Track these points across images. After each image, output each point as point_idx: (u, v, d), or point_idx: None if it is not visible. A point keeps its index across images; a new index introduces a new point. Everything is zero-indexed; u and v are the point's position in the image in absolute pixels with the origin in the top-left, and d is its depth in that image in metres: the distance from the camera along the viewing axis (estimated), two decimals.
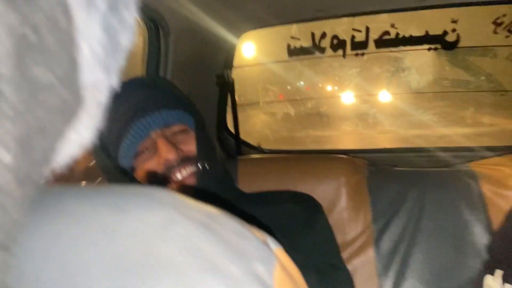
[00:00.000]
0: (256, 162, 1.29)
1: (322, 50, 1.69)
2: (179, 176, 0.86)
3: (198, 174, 0.87)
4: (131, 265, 0.20)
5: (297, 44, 1.70)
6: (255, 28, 1.48)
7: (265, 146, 1.89)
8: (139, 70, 1.15)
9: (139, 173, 0.87)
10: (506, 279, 0.83)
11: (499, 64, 2.77)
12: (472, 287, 0.93)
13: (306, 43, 1.68)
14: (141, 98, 0.87)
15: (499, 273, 0.84)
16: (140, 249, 0.21)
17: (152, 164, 0.86)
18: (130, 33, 0.22)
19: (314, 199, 1.04)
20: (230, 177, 1.04)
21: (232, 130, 1.66)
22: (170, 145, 0.85)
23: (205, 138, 0.91)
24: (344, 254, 1.09)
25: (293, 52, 1.71)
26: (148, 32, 1.11)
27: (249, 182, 1.18)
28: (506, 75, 2.83)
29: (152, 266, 0.20)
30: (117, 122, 0.85)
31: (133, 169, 0.88)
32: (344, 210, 1.12)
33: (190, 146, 0.88)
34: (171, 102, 0.90)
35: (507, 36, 1.60)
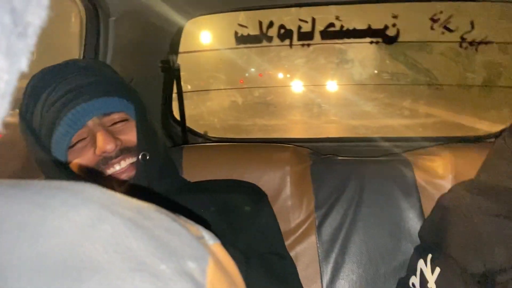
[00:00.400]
0: (202, 151, 1.27)
1: (270, 39, 1.69)
2: (117, 167, 0.82)
3: (137, 165, 0.84)
4: (55, 267, 0.19)
5: (245, 32, 1.69)
6: (202, 14, 1.45)
7: (212, 134, 1.88)
8: (76, 54, 1.08)
9: (75, 165, 0.82)
10: (435, 263, 0.89)
11: (434, 59, 2.95)
12: (406, 271, 0.99)
13: (254, 31, 1.68)
14: (77, 83, 0.81)
15: (429, 257, 0.90)
16: (64, 249, 0.20)
17: (89, 155, 0.81)
18: (40, 10, 0.20)
19: (259, 188, 1.05)
20: (174, 167, 1.02)
21: (178, 117, 1.63)
22: (109, 135, 0.80)
23: (146, 127, 0.87)
24: (288, 241, 1.11)
25: (241, 40, 1.70)
26: (85, 13, 1.05)
27: (194, 171, 1.17)
28: (441, 70, 3.02)
29: (77, 267, 0.19)
30: (50, 109, 0.79)
31: (68, 161, 0.83)
32: (289, 198, 1.14)
33: (130, 136, 0.84)
34: (110, 88, 0.85)
35: (442, 33, 1.69)
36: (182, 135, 1.64)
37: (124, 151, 0.83)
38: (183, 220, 0.27)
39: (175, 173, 1.01)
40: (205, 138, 1.81)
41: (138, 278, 0.20)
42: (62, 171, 0.82)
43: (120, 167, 0.82)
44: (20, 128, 0.84)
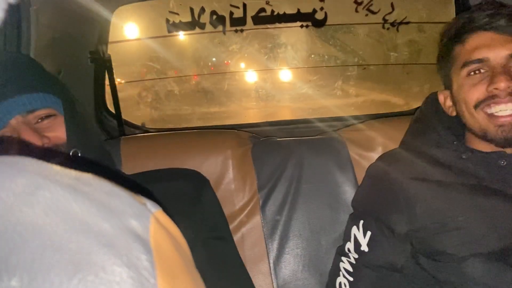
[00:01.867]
0: (140, 141, 1.26)
1: (202, 25, 1.68)
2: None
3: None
4: None
5: (177, 19, 1.66)
6: (131, 1, 1.41)
7: (150, 125, 1.84)
8: None
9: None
10: (366, 227, 0.97)
11: (360, 40, 3.10)
12: (342, 238, 1.06)
13: (186, 18, 1.66)
14: None
15: (361, 222, 0.98)
16: (3, 216, 0.20)
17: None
18: None
19: (200, 174, 1.06)
20: (110, 160, 0.99)
21: (113, 110, 1.58)
22: (34, 134, 0.76)
23: (76, 122, 0.84)
24: (234, 224, 1.14)
25: (173, 27, 1.67)
26: (1, 3, 0.97)
27: (134, 162, 1.15)
28: (367, 51, 3.19)
29: (18, 231, 0.20)
30: None
31: None
32: (232, 182, 1.17)
33: (59, 133, 0.81)
34: (34, 83, 0.81)
35: (366, 15, 1.79)
36: (118, 128, 1.59)
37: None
38: (126, 190, 0.28)
39: (111, 168, 0.98)
40: (143, 129, 1.78)
41: (82, 237, 0.21)
42: None
43: None
44: None
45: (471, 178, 0.89)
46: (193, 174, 1.05)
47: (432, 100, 1.05)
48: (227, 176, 1.16)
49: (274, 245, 1.16)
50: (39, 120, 0.80)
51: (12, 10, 0.99)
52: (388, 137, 1.18)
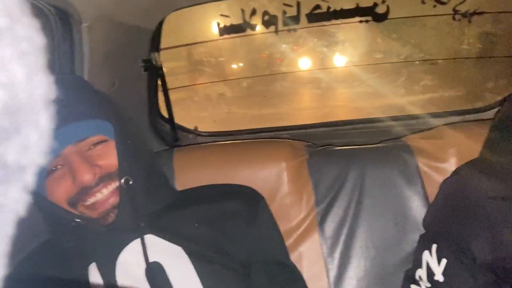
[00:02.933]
0: (193, 152, 1.22)
1: (254, 27, 1.62)
2: (99, 196, 0.76)
3: (121, 190, 0.78)
4: None
5: (227, 22, 1.62)
6: (181, 6, 1.37)
7: (202, 129, 1.82)
8: (50, 67, 1.01)
9: (53, 195, 0.76)
10: (441, 254, 0.84)
11: (427, 34, 2.87)
12: (412, 263, 0.94)
13: (237, 20, 1.61)
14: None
15: (434, 247, 0.86)
16: None
17: (67, 184, 0.75)
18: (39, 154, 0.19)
19: (255, 192, 1.00)
20: (162, 180, 0.95)
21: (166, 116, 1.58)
22: (86, 165, 0.74)
23: (128, 146, 0.81)
24: (290, 240, 1.07)
25: (224, 30, 1.63)
26: (56, 22, 0.97)
27: (187, 174, 1.12)
28: (435, 44, 2.95)
29: None
30: None
31: (46, 190, 0.77)
32: (287, 196, 1.09)
33: (110, 160, 0.78)
34: (86, 110, 0.79)
35: (434, 6, 1.63)
36: (172, 133, 1.59)
37: (104, 178, 0.77)
38: None
39: (166, 187, 0.95)
40: (195, 133, 1.76)
41: None
42: (40, 202, 0.77)
43: (102, 195, 0.77)
44: None
45: None
46: (249, 192, 0.99)
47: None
48: (282, 190, 1.09)
49: (334, 265, 1.07)
50: (91, 147, 0.78)
51: (64, 29, 0.99)
52: (464, 146, 1.04)
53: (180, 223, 0.84)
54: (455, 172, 0.95)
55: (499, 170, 0.84)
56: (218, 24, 1.62)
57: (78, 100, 0.79)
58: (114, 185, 0.78)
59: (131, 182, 0.78)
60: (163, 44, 1.49)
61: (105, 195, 0.77)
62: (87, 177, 0.74)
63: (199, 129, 1.82)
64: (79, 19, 0.97)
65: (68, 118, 0.76)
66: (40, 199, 0.77)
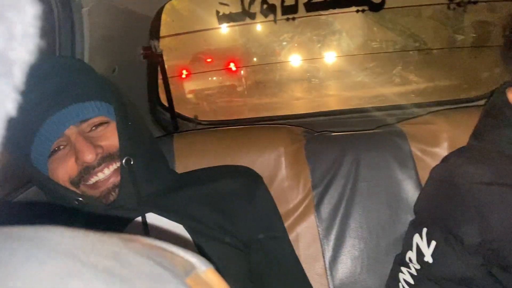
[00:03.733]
0: (193, 137, 1.25)
1: (253, 15, 1.64)
2: (101, 176, 0.79)
3: (122, 170, 0.80)
4: None
5: (226, 10, 1.63)
6: None
7: (202, 117, 1.84)
8: (51, 49, 1.03)
9: (56, 174, 0.79)
10: (430, 236, 0.87)
11: (423, 23, 2.88)
12: (402, 246, 0.97)
13: (236, 9, 1.63)
14: (53, 88, 0.77)
15: (424, 231, 0.89)
16: None
17: (70, 164, 0.78)
18: (28, 43, 0.18)
19: (253, 171, 1.03)
20: (163, 162, 0.98)
21: (166, 104, 1.60)
22: (88, 144, 0.77)
23: (129, 128, 0.83)
24: (288, 222, 1.10)
25: (223, 19, 1.64)
26: (56, 6, 0.99)
27: (187, 159, 1.14)
28: (430, 34, 2.96)
29: None
30: (26, 115, 0.75)
31: (49, 169, 0.79)
32: (285, 180, 1.13)
33: (112, 141, 0.80)
34: (87, 92, 0.81)
35: None
36: (171, 121, 1.61)
37: (106, 158, 0.80)
38: (170, 253, 0.24)
39: (166, 169, 0.98)
40: (195, 122, 1.78)
41: None
42: (43, 181, 0.79)
43: (104, 175, 0.80)
44: None
45: None
46: (246, 171, 1.03)
47: (505, 89, 0.93)
48: (280, 174, 1.12)
49: (330, 245, 1.11)
50: (93, 128, 0.81)
51: (65, 13, 1.01)
52: (455, 131, 1.07)
53: (181, 202, 0.87)
54: (443, 160, 0.98)
55: (486, 157, 0.87)
56: (217, 13, 1.64)
57: (80, 82, 0.81)
58: (116, 165, 0.81)
59: (132, 162, 0.80)
60: (162, 32, 1.51)
61: (107, 175, 0.79)
62: (89, 156, 0.76)
63: (199, 118, 1.84)
64: (80, 3, 0.99)
65: (70, 99, 0.78)
66: (43, 178, 0.79)
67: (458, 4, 1.73)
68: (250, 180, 0.99)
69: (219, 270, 0.26)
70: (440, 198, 0.91)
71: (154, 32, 1.43)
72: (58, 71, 0.80)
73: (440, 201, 0.91)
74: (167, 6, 1.39)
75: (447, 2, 1.72)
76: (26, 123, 0.76)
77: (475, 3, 1.75)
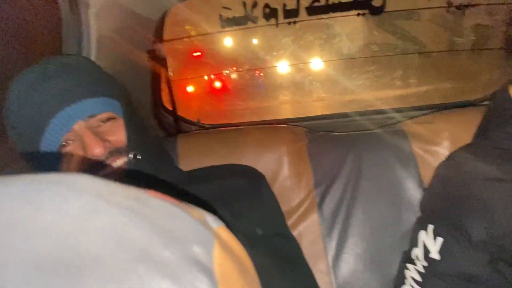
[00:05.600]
0: (196, 138, 1.26)
1: (255, 19, 1.67)
2: (108, 170, 0.81)
3: (129, 164, 0.82)
4: (52, 265, 0.18)
5: (230, 14, 1.66)
6: None
7: (205, 121, 1.86)
8: (58, 50, 1.05)
9: (64, 169, 0.80)
10: (437, 233, 0.88)
11: (422, 26, 2.90)
12: (409, 243, 0.99)
13: (238, 13, 1.65)
14: (61, 85, 0.78)
15: (430, 227, 0.90)
16: (59, 245, 0.19)
17: (78, 159, 0.80)
18: None
19: (256, 170, 1.05)
20: (168, 159, 1.00)
21: (169, 107, 1.61)
22: (96, 139, 0.78)
23: (134, 124, 0.85)
24: (290, 221, 1.12)
25: (226, 23, 1.67)
26: (63, 7, 1.01)
27: (190, 159, 1.16)
28: (430, 37, 2.99)
29: (76, 263, 0.18)
30: (35, 114, 0.77)
31: (58, 162, 0.82)
32: (287, 178, 1.14)
33: (119, 136, 0.82)
34: (94, 88, 0.82)
35: None
36: (174, 124, 1.62)
37: (114, 152, 0.81)
38: (184, 205, 0.26)
39: (170, 166, 0.99)
40: (198, 125, 1.80)
41: (142, 268, 0.19)
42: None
43: (111, 169, 0.81)
44: (8, 132, 0.82)
45: None
46: (249, 170, 1.04)
47: (506, 89, 0.95)
48: (282, 173, 1.14)
49: (333, 244, 1.12)
50: (101, 123, 0.82)
51: (72, 13, 1.03)
52: (456, 130, 1.09)
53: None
54: (449, 157, 0.99)
55: (491, 154, 0.89)
56: (221, 17, 1.66)
57: (88, 79, 0.83)
58: (123, 159, 0.82)
59: (139, 157, 0.82)
60: (166, 36, 1.53)
61: (114, 169, 0.81)
62: (98, 150, 0.77)
63: (202, 122, 1.86)
64: (87, 4, 1.01)
65: (79, 95, 0.79)
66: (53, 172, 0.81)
67: (457, 7, 1.75)
68: (255, 179, 1.00)
69: None
70: (447, 195, 0.92)
71: (158, 35, 1.45)
72: (66, 69, 0.82)
73: (447, 198, 0.92)
74: (173, 9, 1.41)
75: (446, 6, 1.74)
76: (35, 119, 0.78)
77: (473, 6, 1.77)
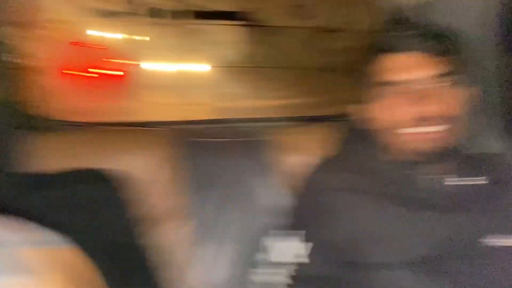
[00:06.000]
0: (62, 138, 1.14)
1: (136, 16, 1.58)
2: None
3: None
4: None
5: (108, 7, 1.54)
6: None
7: (63, 117, 1.68)
8: None
9: None
10: (306, 239, 0.94)
11: (294, 43, 3.12)
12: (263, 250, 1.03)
13: (120, 7, 1.55)
14: None
15: (298, 234, 0.95)
16: None
17: None
18: None
19: (104, 175, 1.00)
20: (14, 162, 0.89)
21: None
22: None
23: None
24: (162, 228, 1.08)
25: (102, 14, 1.55)
26: None
27: (53, 160, 1.04)
28: (301, 54, 3.23)
29: None
30: None
31: None
32: (161, 184, 1.11)
33: None
34: None
35: (301, 19, 1.81)
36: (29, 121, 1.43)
37: None
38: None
39: (13, 171, 0.92)
40: (54, 122, 1.61)
41: None
42: None
43: None
44: None
45: (398, 188, 0.91)
46: (97, 175, 1.00)
47: (357, 110, 1.06)
48: (156, 178, 1.10)
49: (204, 252, 1.11)
50: None
51: None
52: (312, 143, 1.18)
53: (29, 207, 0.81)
54: (308, 168, 1.07)
55: (342, 166, 1.00)
56: (94, 8, 1.53)
57: None
58: None
59: None
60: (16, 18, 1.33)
61: None
62: None
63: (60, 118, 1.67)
64: None
65: None
66: None
67: (323, 30, 1.94)
68: (100, 184, 0.98)
69: None
70: (308, 204, 1.01)
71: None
72: None
73: (302, 206, 1.02)
74: None
75: (315, 27, 1.91)
76: None
77: (335, 31, 1.98)
